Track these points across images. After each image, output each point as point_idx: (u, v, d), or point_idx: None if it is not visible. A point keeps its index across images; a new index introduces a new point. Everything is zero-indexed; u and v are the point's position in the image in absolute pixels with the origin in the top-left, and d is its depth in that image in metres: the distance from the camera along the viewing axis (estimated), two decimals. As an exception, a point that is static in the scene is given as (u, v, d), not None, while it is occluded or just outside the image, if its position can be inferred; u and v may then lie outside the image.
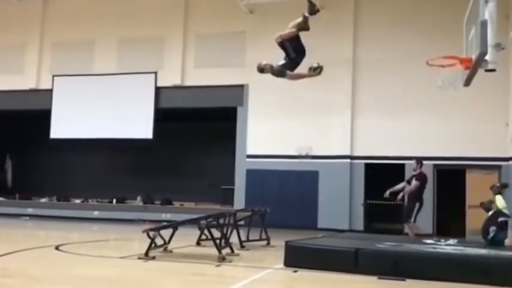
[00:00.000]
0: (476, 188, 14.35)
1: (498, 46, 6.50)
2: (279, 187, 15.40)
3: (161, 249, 7.98)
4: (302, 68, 7.62)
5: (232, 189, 16.30)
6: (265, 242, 9.85)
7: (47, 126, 18.03)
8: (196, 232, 8.84)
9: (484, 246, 7.62)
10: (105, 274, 6.32)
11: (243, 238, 9.30)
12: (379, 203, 14.39)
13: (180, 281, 6.11)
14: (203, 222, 7.73)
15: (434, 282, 5.84)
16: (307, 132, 15.55)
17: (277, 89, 15.65)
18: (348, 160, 15.17)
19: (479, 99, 13.86)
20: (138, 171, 18.40)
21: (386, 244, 7.21)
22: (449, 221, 14.24)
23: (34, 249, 8.40)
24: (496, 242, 7.92)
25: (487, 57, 6.49)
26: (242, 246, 8.98)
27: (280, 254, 7.21)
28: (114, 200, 17.98)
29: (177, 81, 16.95)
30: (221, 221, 8.28)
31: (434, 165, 14.64)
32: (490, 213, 8.55)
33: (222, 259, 7.24)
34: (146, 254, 7.42)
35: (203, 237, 8.89)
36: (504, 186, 9.36)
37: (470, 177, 14.48)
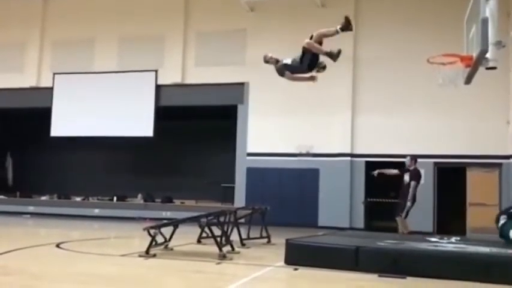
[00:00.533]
0: (476, 186, 14.37)
1: (499, 44, 6.50)
2: (280, 185, 15.40)
3: (162, 247, 7.98)
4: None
5: (233, 187, 16.31)
6: (265, 240, 9.85)
7: (48, 124, 18.04)
8: (197, 230, 8.85)
9: (486, 244, 7.60)
10: (105, 272, 6.32)
11: (244, 236, 9.30)
12: (380, 201, 14.42)
13: (181, 278, 6.11)
14: (204, 220, 7.73)
15: (435, 280, 5.84)
16: (307, 130, 15.55)
17: (278, 87, 15.63)
18: (349, 158, 15.18)
19: (480, 97, 13.87)
20: (139, 169, 18.41)
21: (386, 242, 7.20)
22: (450, 219, 14.25)
23: (35, 247, 8.41)
24: (504, 231, 7.96)
25: (487, 55, 6.49)
26: (243, 244, 8.99)
27: (281, 252, 7.21)
28: (115, 198, 18.02)
29: (177, 79, 16.96)
30: (222, 219, 8.27)
31: (435, 163, 14.65)
32: None
33: (222, 257, 7.24)
34: (147, 251, 7.42)
35: (204, 235, 8.90)
36: None
37: (471, 175, 14.49)
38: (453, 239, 8.05)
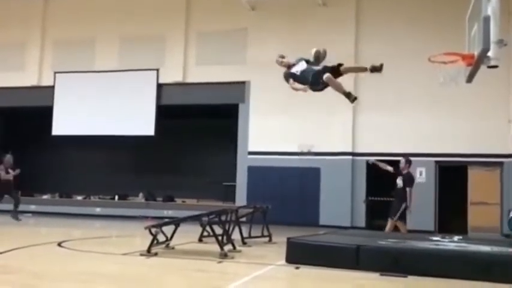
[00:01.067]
0: (478, 185, 14.36)
1: (501, 42, 6.49)
2: (281, 184, 15.40)
3: (163, 245, 7.98)
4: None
5: (234, 186, 16.32)
6: (267, 239, 9.86)
7: (49, 123, 18.06)
8: (198, 229, 8.84)
9: (487, 243, 7.59)
10: (107, 270, 6.33)
11: (245, 235, 9.31)
12: (381, 200, 14.39)
13: (183, 277, 6.11)
14: (205, 219, 7.73)
15: (436, 279, 5.83)
16: (308, 129, 15.54)
17: (279, 86, 15.50)
18: (350, 157, 15.17)
19: (482, 95, 13.85)
20: (140, 168, 18.42)
21: (388, 241, 7.20)
22: (451, 218, 14.24)
23: (36, 245, 8.42)
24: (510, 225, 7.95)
25: (489, 54, 6.48)
26: (244, 243, 8.99)
27: (282, 251, 7.21)
28: (116, 197, 18.03)
29: (178, 78, 16.96)
30: (223, 217, 8.27)
31: (436, 162, 14.65)
32: None
33: (224, 255, 7.24)
34: (148, 250, 7.43)
35: (205, 233, 8.90)
36: None
37: (472, 174, 14.48)
38: (455, 238, 8.03)
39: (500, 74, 11.55)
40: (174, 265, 6.87)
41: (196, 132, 18.10)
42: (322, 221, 14.84)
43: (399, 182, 10.37)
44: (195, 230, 9.01)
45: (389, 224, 10.45)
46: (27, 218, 15.84)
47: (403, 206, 10.17)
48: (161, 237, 7.87)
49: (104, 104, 17.51)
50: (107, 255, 7.61)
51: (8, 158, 13.24)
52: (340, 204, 14.96)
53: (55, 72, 18.11)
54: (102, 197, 18.30)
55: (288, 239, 7.15)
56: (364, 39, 15.45)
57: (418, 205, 13.97)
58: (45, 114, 17.91)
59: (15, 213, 13.14)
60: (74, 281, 5.54)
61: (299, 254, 6.87)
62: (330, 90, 7.49)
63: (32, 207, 17.50)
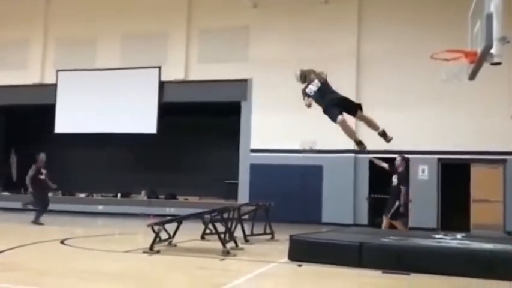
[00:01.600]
0: (480, 182, 14.34)
1: (504, 39, 6.45)
2: (283, 181, 15.40)
3: (166, 243, 7.99)
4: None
5: (236, 184, 16.33)
6: (269, 236, 9.87)
7: (52, 121, 18.08)
8: (201, 226, 8.85)
9: (490, 241, 7.58)
10: (109, 268, 6.34)
11: (247, 232, 9.31)
12: (383, 198, 14.35)
13: (185, 274, 6.12)
14: (207, 216, 7.74)
15: (439, 277, 5.82)
16: (311, 127, 15.49)
17: (281, 83, 15.62)
18: (352, 154, 15.14)
19: (485, 93, 13.82)
20: (142, 165, 18.43)
21: (390, 238, 7.19)
22: (454, 215, 14.22)
23: (39, 243, 8.43)
24: None
25: (492, 51, 6.45)
26: (246, 241, 9.00)
27: (284, 248, 7.21)
28: (119, 195, 18.06)
29: (180, 76, 16.96)
30: (225, 215, 8.28)
31: (439, 159, 14.63)
32: None
33: (226, 253, 7.25)
34: (151, 248, 7.44)
35: (207, 231, 8.90)
36: None
37: (475, 172, 14.45)
38: (458, 236, 8.02)
39: (503, 71, 11.52)
40: (177, 263, 6.88)
41: (199, 130, 18.10)
42: (324, 219, 14.84)
43: (394, 180, 10.38)
44: (198, 227, 9.02)
45: (384, 221, 10.46)
46: (30, 215, 15.88)
47: (397, 204, 10.15)
48: (164, 235, 7.88)
49: (106, 101, 17.52)
50: (109, 253, 7.63)
51: (42, 157, 12.96)
52: (343, 202, 14.95)
53: (57, 70, 18.12)
54: (105, 194, 18.32)
55: (291, 236, 7.15)
56: (366, 36, 15.42)
57: (421, 203, 14.03)
58: (47, 112, 17.94)
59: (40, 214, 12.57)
60: (77, 278, 5.54)
61: (302, 252, 6.87)
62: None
63: (35, 205, 17.52)
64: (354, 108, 7.37)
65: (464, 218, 14.10)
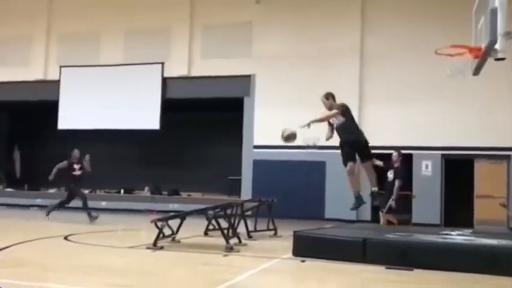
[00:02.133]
0: (484, 178, 14.30)
1: (508, 35, 6.43)
2: (286, 177, 15.38)
3: (169, 239, 8.01)
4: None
5: (239, 180, 16.32)
6: (272, 232, 9.87)
7: (55, 117, 18.10)
8: (204, 222, 8.87)
9: (494, 236, 7.56)
10: (113, 263, 6.36)
11: (251, 228, 9.32)
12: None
13: (188, 270, 6.13)
14: (211, 212, 7.75)
15: (443, 272, 5.82)
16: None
17: (284, 79, 15.61)
18: (355, 150, 15.09)
19: (488, 88, 13.76)
20: (146, 161, 18.45)
21: (394, 234, 7.19)
22: (457, 211, 14.19)
23: (43, 239, 8.47)
24: None
25: (496, 46, 6.43)
26: (249, 237, 9.01)
27: (288, 244, 7.22)
28: (122, 191, 18.08)
29: (183, 72, 16.95)
30: (228, 211, 8.29)
31: (443, 155, 14.59)
32: None
33: (229, 249, 7.26)
34: (154, 244, 7.45)
35: (211, 227, 8.92)
36: None
37: (479, 167, 14.41)
38: (462, 232, 8.00)
39: (508, 67, 11.40)
40: (180, 258, 6.89)
41: (202, 126, 18.09)
42: (327, 215, 14.83)
43: (390, 175, 10.39)
44: (201, 223, 9.04)
45: (382, 218, 10.47)
46: (34, 211, 15.95)
47: (391, 199, 10.18)
48: (167, 231, 7.90)
49: (110, 97, 17.52)
50: (113, 249, 7.65)
51: (76, 153, 13.13)
52: (346, 198, 14.88)
53: (60, 67, 18.13)
54: (108, 190, 18.34)
55: (295, 232, 7.16)
56: (369, 32, 15.36)
57: (424, 198, 14.01)
58: (50, 108, 17.94)
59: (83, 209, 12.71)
60: (81, 274, 5.56)
61: (306, 247, 6.88)
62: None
63: (39, 201, 17.58)
64: (366, 157, 7.66)
65: (467, 213, 14.07)
